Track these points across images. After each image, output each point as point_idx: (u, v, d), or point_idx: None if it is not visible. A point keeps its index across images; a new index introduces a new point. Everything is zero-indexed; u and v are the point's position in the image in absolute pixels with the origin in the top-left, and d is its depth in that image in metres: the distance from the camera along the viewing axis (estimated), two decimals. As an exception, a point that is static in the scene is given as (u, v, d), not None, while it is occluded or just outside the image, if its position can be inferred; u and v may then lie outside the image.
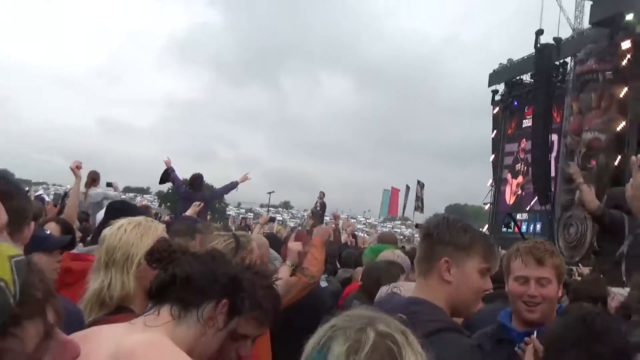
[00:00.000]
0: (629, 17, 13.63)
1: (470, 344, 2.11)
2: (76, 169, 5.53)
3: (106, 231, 2.35)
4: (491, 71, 19.75)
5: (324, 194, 16.85)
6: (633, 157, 2.33)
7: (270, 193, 16.38)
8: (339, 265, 6.42)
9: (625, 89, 14.16)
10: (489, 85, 19.75)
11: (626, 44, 13.89)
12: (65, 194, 10.85)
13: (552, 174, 15.88)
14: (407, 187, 25.29)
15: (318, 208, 16.59)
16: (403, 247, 7.69)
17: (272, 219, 10.67)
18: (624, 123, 14.22)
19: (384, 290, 2.96)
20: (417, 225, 13.34)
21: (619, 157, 14.00)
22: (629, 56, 13.98)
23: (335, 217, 10.74)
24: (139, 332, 1.67)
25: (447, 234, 2.16)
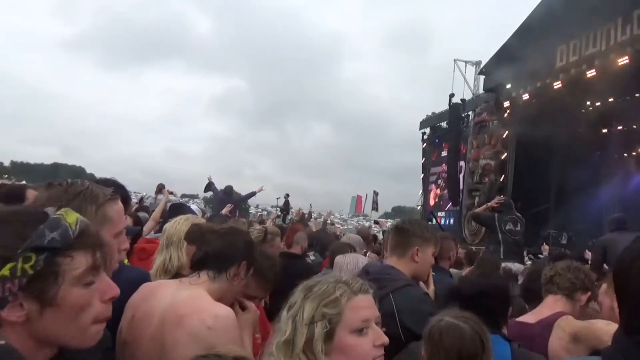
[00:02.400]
0: (508, 86, 13.80)
1: (423, 293, 2.22)
2: (168, 192, 5.45)
3: (167, 225, 2.38)
4: (421, 119, 19.85)
5: (288, 195, 15.96)
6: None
7: (277, 198, 16.25)
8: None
9: (506, 132, 14.32)
10: (420, 128, 19.81)
11: (506, 103, 14.06)
12: (142, 198, 10.75)
13: (461, 187, 15.97)
14: (367, 194, 25.43)
15: (282, 204, 15.54)
16: (375, 236, 7.53)
17: (279, 216, 10.61)
18: (506, 154, 14.36)
19: (339, 258, 3.04)
20: (375, 222, 13.16)
21: (503, 176, 14.15)
22: (508, 111, 14.15)
23: (328, 215, 10.78)
24: (186, 289, 1.67)
25: (418, 230, 2.26)
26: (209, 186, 8.91)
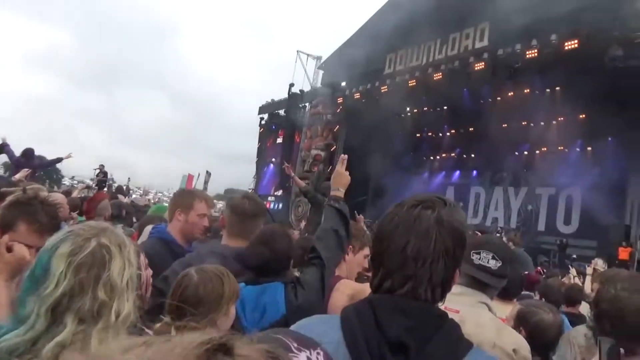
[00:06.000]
0: (343, 84, 14.66)
1: None
2: None
3: None
4: (260, 105, 19.90)
5: (103, 166, 14.55)
6: (343, 155, 2.43)
7: (95, 169, 14.56)
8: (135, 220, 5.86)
9: (337, 126, 15.23)
10: (259, 114, 19.90)
11: (340, 100, 14.95)
12: None
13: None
14: (199, 174, 24.52)
15: (97, 176, 14.18)
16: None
17: (89, 187, 9.44)
18: (335, 146, 15.32)
19: (148, 228, 2.91)
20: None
21: (330, 167, 15.04)
22: (341, 107, 15.06)
23: (145, 192, 9.97)
24: None
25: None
26: (2, 147, 7.41)
